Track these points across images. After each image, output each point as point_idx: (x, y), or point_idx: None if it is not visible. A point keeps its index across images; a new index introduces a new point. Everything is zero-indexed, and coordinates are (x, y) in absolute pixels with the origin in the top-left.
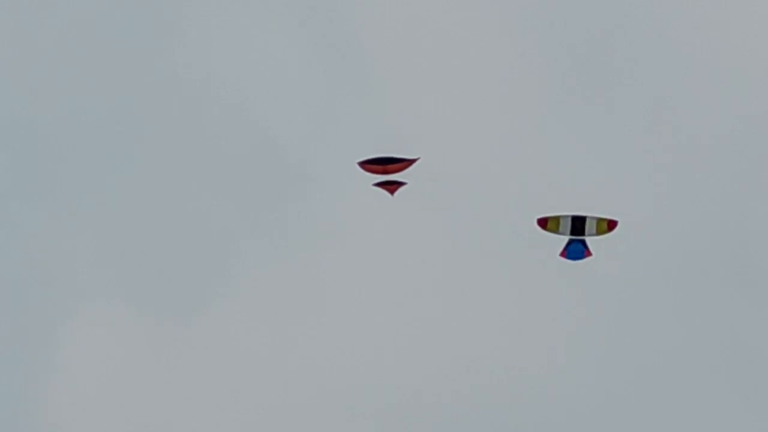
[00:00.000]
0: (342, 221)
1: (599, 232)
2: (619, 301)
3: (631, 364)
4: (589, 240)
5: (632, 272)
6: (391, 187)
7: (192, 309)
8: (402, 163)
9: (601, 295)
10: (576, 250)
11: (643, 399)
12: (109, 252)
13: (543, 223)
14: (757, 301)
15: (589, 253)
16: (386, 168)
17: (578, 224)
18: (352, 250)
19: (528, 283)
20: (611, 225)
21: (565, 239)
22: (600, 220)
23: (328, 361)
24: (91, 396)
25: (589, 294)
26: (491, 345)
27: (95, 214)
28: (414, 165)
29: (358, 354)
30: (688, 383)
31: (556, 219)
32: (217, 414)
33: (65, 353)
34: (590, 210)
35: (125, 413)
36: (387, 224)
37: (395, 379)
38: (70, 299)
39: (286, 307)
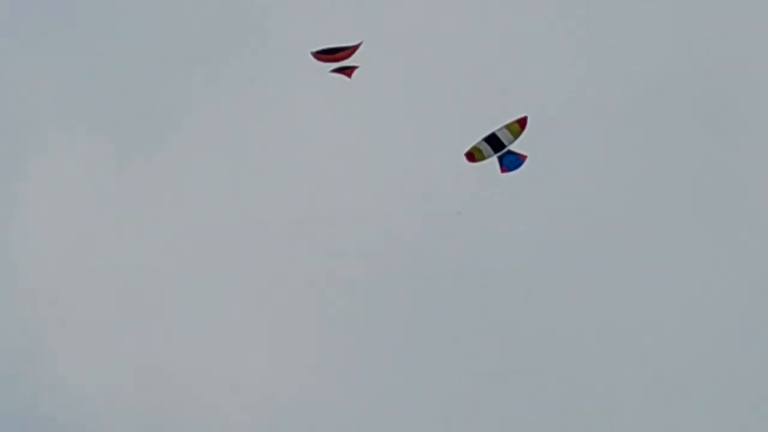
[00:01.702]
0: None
1: (515, 135)
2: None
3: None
4: (514, 147)
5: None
6: (347, 71)
7: (154, 143)
8: (347, 50)
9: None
10: (510, 161)
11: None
12: (73, 87)
13: (470, 157)
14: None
15: (523, 157)
16: (336, 56)
17: (494, 141)
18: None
19: None
20: (522, 123)
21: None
22: (509, 125)
23: (281, 198)
24: (53, 228)
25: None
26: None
27: (60, 50)
28: (358, 50)
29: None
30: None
31: (477, 148)
32: (177, 245)
33: (30, 186)
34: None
35: (87, 242)
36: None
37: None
38: (35, 133)
39: (245, 144)
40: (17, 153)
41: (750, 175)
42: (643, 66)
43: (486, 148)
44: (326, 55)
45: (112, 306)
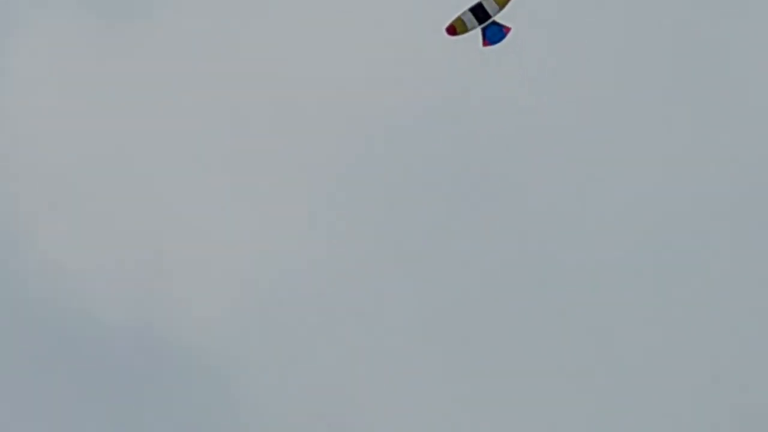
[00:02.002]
0: None
1: (500, 5)
2: None
3: None
4: (499, 17)
5: None
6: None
7: (140, 13)
8: None
9: None
10: (494, 33)
11: None
12: None
13: (452, 30)
14: None
15: (507, 29)
16: None
17: (479, 11)
18: None
19: None
20: None
21: (478, 31)
22: None
23: (273, 77)
24: (43, 103)
25: None
26: None
27: None
28: None
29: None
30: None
31: (460, 20)
32: (168, 119)
33: (17, 60)
34: None
35: (75, 119)
36: None
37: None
38: (20, 5)
39: (237, 18)
40: (3, 26)
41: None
42: None
43: (470, 18)
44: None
45: (101, 185)
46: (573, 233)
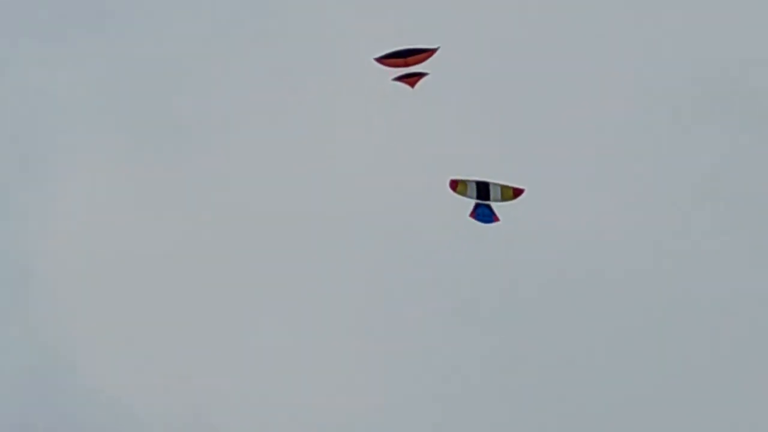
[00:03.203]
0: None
1: (504, 198)
2: None
3: None
4: (496, 205)
5: None
6: (411, 79)
7: (178, 141)
8: (422, 54)
9: None
10: (484, 214)
11: None
12: (97, 85)
13: (454, 185)
14: None
15: (496, 218)
16: (407, 60)
17: (483, 189)
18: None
19: None
20: (516, 192)
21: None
22: (504, 187)
23: (313, 194)
24: (80, 228)
25: None
26: None
27: (83, 48)
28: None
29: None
30: None
31: (464, 183)
32: (207, 243)
33: (61, 188)
34: None
35: (114, 241)
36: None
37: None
38: (66, 135)
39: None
40: (41, 154)
41: None
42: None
43: (471, 188)
44: (394, 59)
45: (139, 306)
46: None
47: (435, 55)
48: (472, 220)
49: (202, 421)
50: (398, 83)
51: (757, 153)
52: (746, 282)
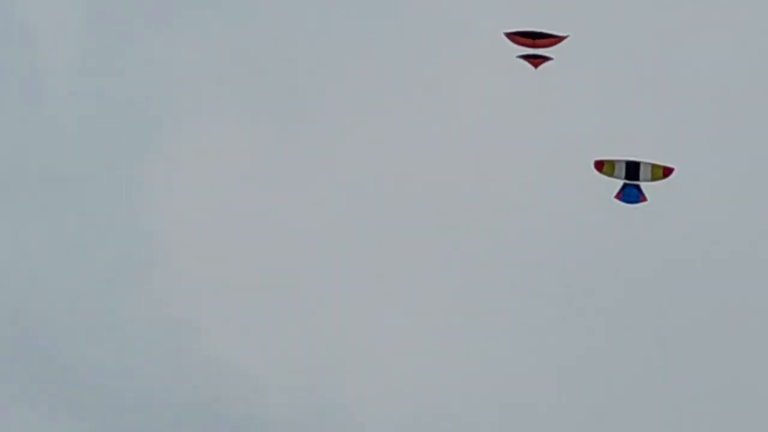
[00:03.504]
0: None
1: (654, 178)
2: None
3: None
4: (645, 185)
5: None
6: (536, 61)
7: (310, 111)
8: (551, 39)
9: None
10: (631, 194)
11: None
12: (227, 60)
13: (599, 165)
14: None
15: (644, 198)
16: (535, 42)
17: (632, 169)
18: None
19: None
20: (666, 172)
21: (620, 182)
22: (655, 166)
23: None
24: (209, 200)
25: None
26: None
27: (212, 26)
28: (562, 42)
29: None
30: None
31: (611, 163)
32: (336, 216)
33: (176, 167)
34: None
35: (244, 213)
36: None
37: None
38: (179, 113)
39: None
40: (164, 126)
41: None
42: None
43: (620, 168)
44: (523, 38)
45: (262, 275)
46: None
47: (563, 43)
48: (618, 202)
49: (323, 392)
50: (522, 61)
51: None
52: None
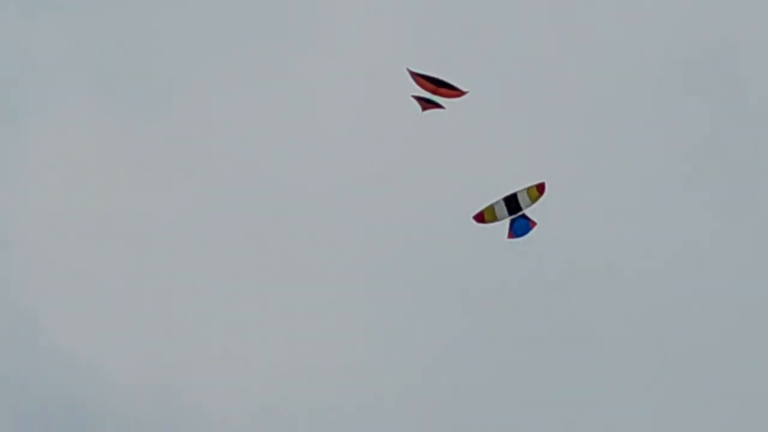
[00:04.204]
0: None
1: (533, 200)
2: None
3: None
4: (528, 211)
5: None
6: (427, 105)
7: (162, 102)
8: (452, 91)
9: None
10: (521, 226)
11: None
12: (79, 44)
13: (480, 217)
14: None
15: (533, 223)
16: (437, 89)
17: (512, 202)
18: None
19: None
20: (540, 188)
21: (506, 222)
22: (528, 189)
23: (295, 162)
24: (61, 190)
25: None
26: None
27: (66, 8)
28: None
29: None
30: None
31: (490, 208)
32: (188, 208)
33: (35, 150)
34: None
35: (94, 204)
36: None
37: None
38: (34, 100)
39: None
40: (23, 113)
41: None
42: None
43: (501, 208)
44: (426, 81)
45: (120, 271)
46: None
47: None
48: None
49: (171, 384)
50: (414, 101)
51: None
52: (734, 272)
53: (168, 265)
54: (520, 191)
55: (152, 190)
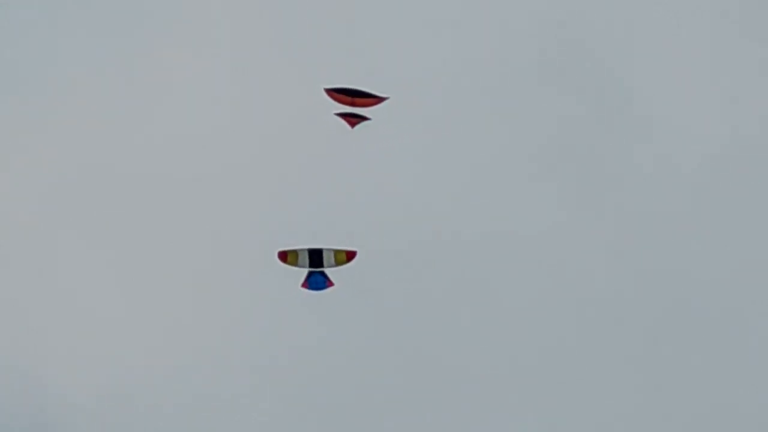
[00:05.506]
0: None
1: (337, 263)
2: None
3: None
4: (331, 271)
5: None
6: (354, 120)
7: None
8: (370, 99)
9: None
10: (316, 281)
11: None
12: None
13: (283, 256)
14: None
15: (330, 283)
16: (354, 101)
17: (316, 257)
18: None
19: None
20: (350, 255)
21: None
22: (337, 252)
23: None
24: None
25: None
26: None
27: None
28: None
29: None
30: None
31: (294, 253)
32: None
33: None
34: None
35: None
36: None
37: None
38: None
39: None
40: None
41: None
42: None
43: (303, 258)
44: (343, 96)
45: None
46: None
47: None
48: (305, 290)
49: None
50: (340, 119)
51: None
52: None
53: (13, 253)
54: (327, 250)
55: None
